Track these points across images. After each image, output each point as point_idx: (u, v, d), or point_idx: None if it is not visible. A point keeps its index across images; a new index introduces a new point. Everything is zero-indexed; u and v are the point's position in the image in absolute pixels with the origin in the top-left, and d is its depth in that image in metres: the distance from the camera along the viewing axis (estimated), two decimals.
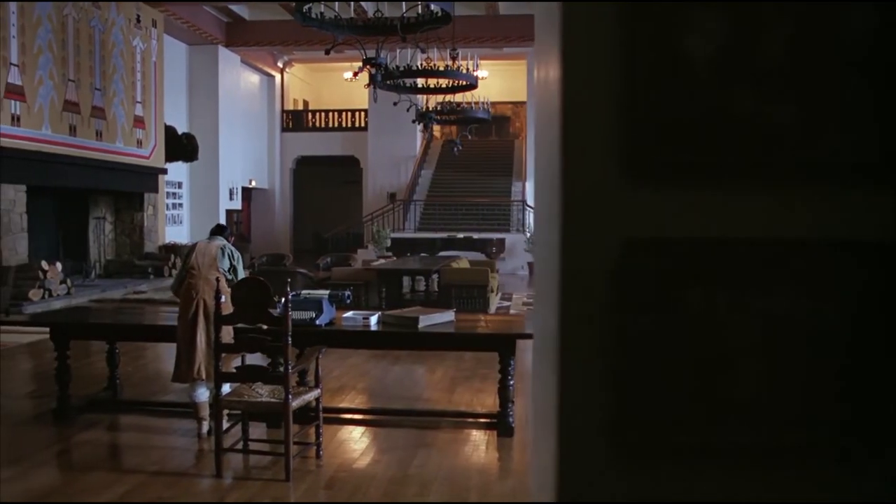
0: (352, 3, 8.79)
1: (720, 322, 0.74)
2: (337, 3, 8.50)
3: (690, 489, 0.75)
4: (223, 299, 4.39)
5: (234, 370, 4.36)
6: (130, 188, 15.66)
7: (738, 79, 0.73)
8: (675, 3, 0.72)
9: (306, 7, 8.14)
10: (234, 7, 18.79)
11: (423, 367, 7.36)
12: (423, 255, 15.30)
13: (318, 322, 5.00)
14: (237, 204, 21.11)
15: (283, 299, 4.60)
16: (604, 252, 0.74)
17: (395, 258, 14.85)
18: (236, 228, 20.27)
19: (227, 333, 4.49)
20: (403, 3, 8.59)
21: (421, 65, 12.04)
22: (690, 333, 0.74)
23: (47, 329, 7.00)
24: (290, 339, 4.13)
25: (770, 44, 0.72)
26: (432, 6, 8.55)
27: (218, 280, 4.55)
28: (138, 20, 15.90)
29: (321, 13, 8.49)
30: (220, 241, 5.14)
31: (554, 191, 0.79)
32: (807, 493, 0.74)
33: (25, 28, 12.31)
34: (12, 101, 12.07)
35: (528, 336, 4.60)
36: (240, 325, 4.46)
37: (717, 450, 0.75)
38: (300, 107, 26.15)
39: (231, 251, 5.10)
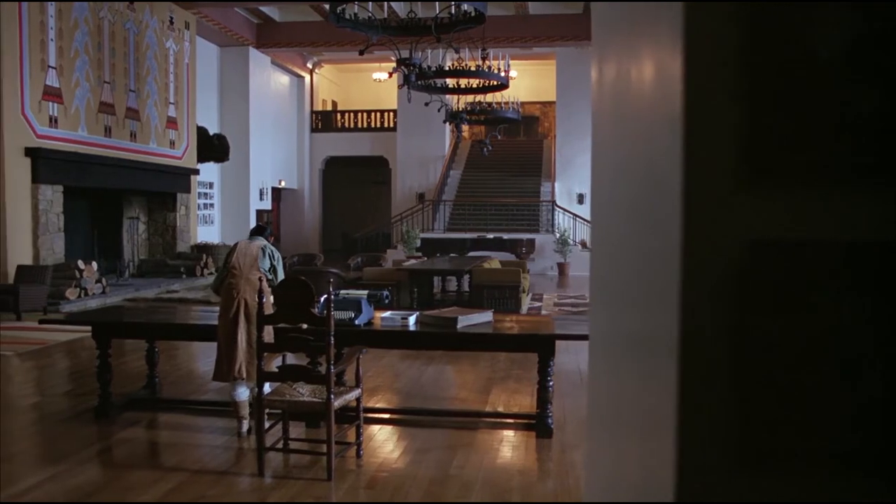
0: (385, 4, 8.81)
1: (845, 326, 0.72)
2: (371, 3, 8.52)
3: (811, 493, 0.74)
4: (265, 299, 4.41)
5: (276, 369, 4.39)
6: (163, 188, 15.84)
7: (867, 77, 0.71)
8: (802, 1, 0.71)
9: (340, 8, 8.18)
10: (264, 8, 18.92)
11: (457, 368, 7.36)
12: (452, 255, 15.30)
13: (356, 322, 5.02)
14: (267, 204, 21.26)
15: (322, 299, 4.63)
16: (726, 255, 0.73)
17: (424, 258, 14.87)
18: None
19: (268, 333, 4.52)
20: (437, 3, 8.59)
21: (452, 65, 12.05)
22: (814, 337, 0.73)
23: (83, 327, 7.12)
24: (332, 338, 4.14)
25: None
26: (465, 6, 8.55)
27: (261, 280, 4.58)
28: (171, 22, 16.07)
29: (355, 14, 8.53)
30: (261, 241, 5.18)
31: (667, 192, 0.78)
32: None
33: (63, 31, 12.50)
34: (50, 103, 12.27)
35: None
36: (281, 325, 4.48)
37: (840, 455, 0.74)
38: (329, 107, 26.29)
39: (271, 251, 5.13)
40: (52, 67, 12.28)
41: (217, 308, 5.38)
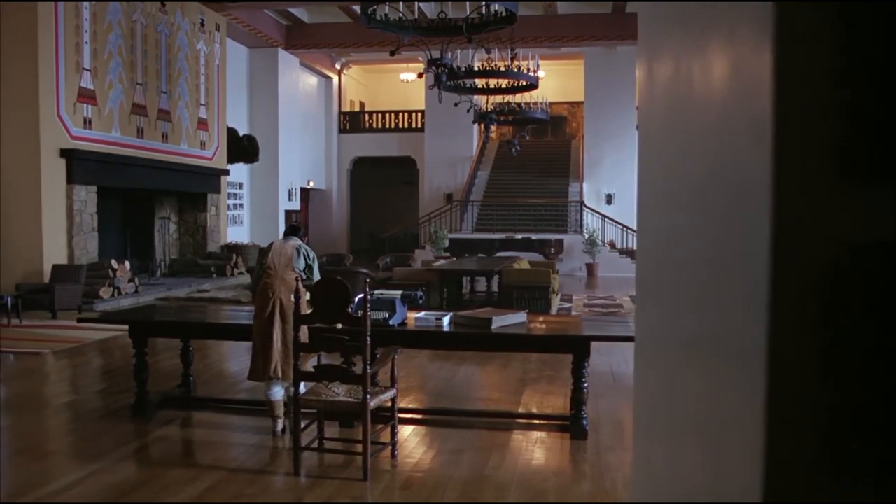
0: (416, 5, 8.82)
1: None
2: (401, 4, 8.54)
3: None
4: (301, 299, 4.43)
5: (312, 369, 4.40)
6: (194, 189, 15.99)
7: None
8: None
9: (371, 9, 8.20)
10: (293, 10, 19.03)
11: (488, 369, 7.34)
12: (480, 255, 15.29)
13: (391, 322, 5.02)
14: (296, 204, 21.37)
15: (356, 299, 4.64)
16: (819, 257, 0.71)
17: (452, 259, 14.86)
18: None
19: (303, 333, 4.53)
20: (467, 3, 8.59)
21: (481, 65, 12.04)
22: None
23: (116, 326, 7.20)
24: (368, 338, 4.15)
25: None
26: (496, 6, 8.53)
27: (297, 280, 4.60)
28: (202, 24, 16.22)
29: (386, 15, 8.55)
30: (296, 241, 5.20)
31: (752, 192, 0.76)
32: None
33: (97, 34, 12.67)
34: (84, 105, 12.43)
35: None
36: (316, 325, 4.50)
37: None
38: (357, 108, 26.38)
39: (306, 251, 5.15)
40: (87, 69, 12.45)
41: (250, 307, 5.42)
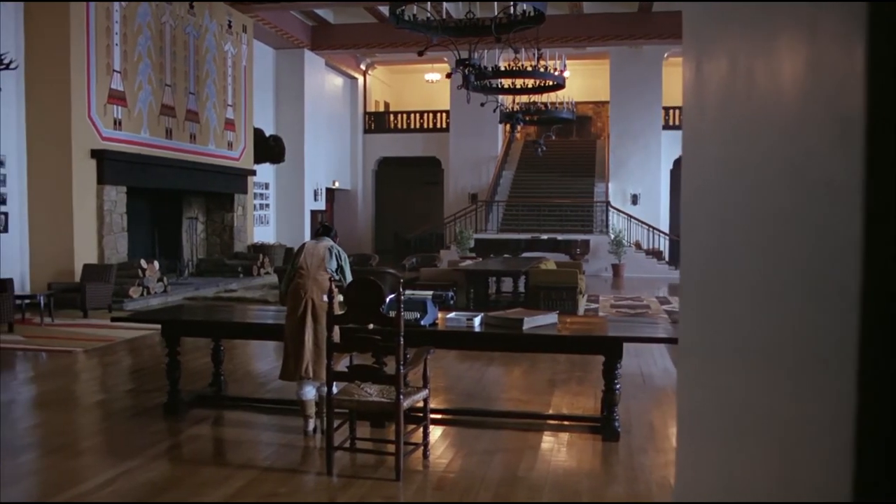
0: (444, 5, 8.81)
1: None
2: (429, 4, 8.53)
3: None
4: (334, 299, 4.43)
5: (345, 369, 4.40)
6: (221, 189, 16.10)
7: None
8: None
9: (400, 9, 8.20)
10: (319, 11, 19.10)
11: (517, 370, 7.31)
12: (506, 256, 15.26)
13: (422, 322, 5.02)
14: (321, 205, 21.45)
15: (388, 299, 4.64)
16: None
17: (478, 259, 14.84)
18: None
19: (335, 333, 4.54)
20: (496, 3, 8.56)
21: (507, 65, 12.01)
22: None
23: (146, 325, 7.26)
24: (402, 339, 4.15)
25: None
26: (524, 6, 8.50)
27: (330, 280, 4.61)
28: (229, 26, 16.33)
29: (414, 15, 8.55)
30: (328, 241, 5.21)
31: (836, 195, 0.74)
32: None
33: (127, 36, 12.80)
34: (115, 106, 12.56)
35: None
36: (348, 325, 4.50)
37: None
38: (381, 108, 26.42)
39: (338, 252, 5.16)
40: (117, 71, 12.59)
41: (277, 307, 5.43)
